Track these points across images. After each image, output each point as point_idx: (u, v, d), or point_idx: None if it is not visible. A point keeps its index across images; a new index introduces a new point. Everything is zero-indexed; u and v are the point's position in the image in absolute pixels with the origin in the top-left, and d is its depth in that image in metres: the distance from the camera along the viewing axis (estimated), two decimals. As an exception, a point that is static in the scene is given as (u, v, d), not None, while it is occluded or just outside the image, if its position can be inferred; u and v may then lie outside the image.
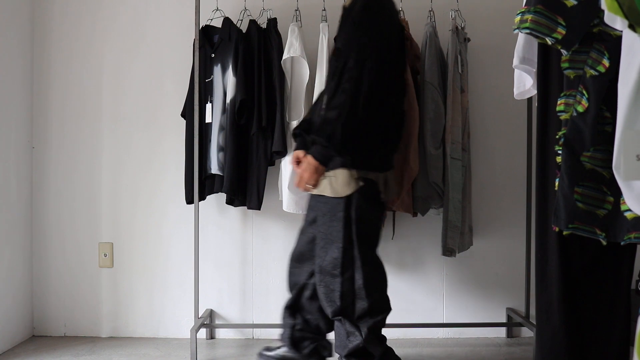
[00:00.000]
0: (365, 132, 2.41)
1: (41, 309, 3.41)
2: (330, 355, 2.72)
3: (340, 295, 2.48)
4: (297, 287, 2.65)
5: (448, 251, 3.02)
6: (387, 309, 2.57)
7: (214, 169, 3.13)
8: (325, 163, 2.39)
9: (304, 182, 2.42)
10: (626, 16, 1.19)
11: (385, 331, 3.33)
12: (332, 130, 2.34)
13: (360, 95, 2.35)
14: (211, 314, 3.41)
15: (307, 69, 3.05)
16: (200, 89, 3.10)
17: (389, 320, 3.33)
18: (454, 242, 3.02)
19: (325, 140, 2.35)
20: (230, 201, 3.18)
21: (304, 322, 2.66)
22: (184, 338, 3.34)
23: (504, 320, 3.40)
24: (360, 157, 2.43)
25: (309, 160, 2.39)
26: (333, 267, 2.48)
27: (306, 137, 2.52)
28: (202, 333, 3.36)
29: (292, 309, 2.67)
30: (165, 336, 3.41)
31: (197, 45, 3.04)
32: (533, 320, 3.17)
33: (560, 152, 1.94)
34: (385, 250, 3.38)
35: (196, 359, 2.93)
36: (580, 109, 1.87)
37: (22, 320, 3.31)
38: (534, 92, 2.32)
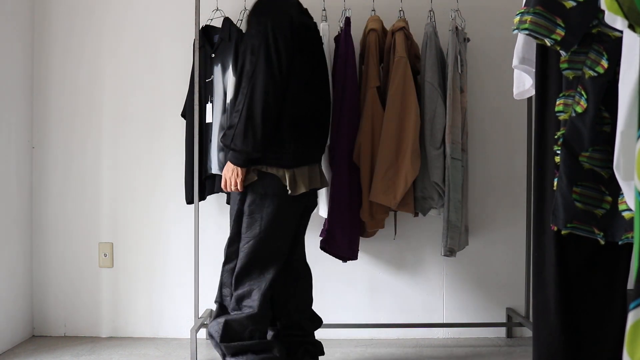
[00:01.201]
0: (269, 128, 2.44)
1: (41, 309, 3.42)
2: (319, 353, 2.75)
3: (220, 284, 2.62)
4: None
5: (449, 251, 3.02)
6: (252, 307, 2.52)
7: (214, 169, 3.13)
8: (241, 165, 2.48)
9: (227, 185, 2.53)
10: (626, 16, 1.20)
11: (385, 331, 3.36)
12: (234, 133, 2.44)
13: (255, 95, 2.41)
14: (211, 314, 3.40)
15: (306, 69, 3.05)
16: (201, 89, 3.10)
17: (389, 320, 3.37)
18: (454, 242, 3.03)
19: (232, 143, 2.45)
20: (229, 201, 3.18)
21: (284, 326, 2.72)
22: (184, 338, 3.34)
23: (504, 320, 3.40)
24: (254, 153, 2.47)
25: (228, 165, 2.51)
26: (224, 257, 2.62)
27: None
28: (202, 333, 3.35)
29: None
30: (165, 336, 3.42)
31: (197, 45, 3.04)
32: (533, 320, 3.18)
33: (559, 152, 1.94)
34: (386, 250, 3.40)
35: (196, 359, 2.93)
36: (579, 109, 1.88)
37: (22, 320, 3.31)
38: (534, 92, 2.33)
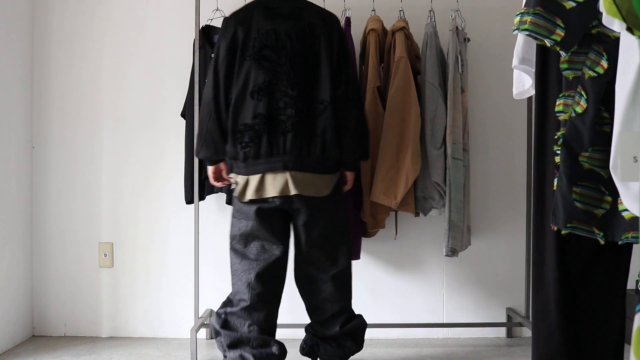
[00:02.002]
0: (209, 137, 2.64)
1: (41, 309, 3.42)
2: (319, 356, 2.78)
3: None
4: None
5: (451, 251, 3.02)
6: (245, 300, 2.64)
7: (214, 169, 3.13)
8: (207, 163, 2.75)
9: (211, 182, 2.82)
10: (624, 19, 1.20)
11: (385, 331, 3.36)
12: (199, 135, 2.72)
13: (204, 102, 2.68)
14: (211, 314, 3.41)
15: (306, 69, 3.04)
16: (200, 89, 3.09)
17: (389, 320, 3.37)
18: (456, 242, 3.03)
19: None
20: (229, 201, 3.18)
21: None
22: (184, 338, 3.34)
23: (504, 320, 3.40)
24: (205, 156, 2.72)
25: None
26: None
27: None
28: (202, 333, 3.36)
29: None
30: (165, 336, 3.42)
31: (197, 45, 3.04)
32: (533, 320, 3.18)
33: (559, 152, 1.94)
34: (387, 250, 3.40)
35: (196, 359, 2.93)
36: (579, 109, 1.87)
37: (22, 320, 3.32)
38: (533, 92, 2.33)
